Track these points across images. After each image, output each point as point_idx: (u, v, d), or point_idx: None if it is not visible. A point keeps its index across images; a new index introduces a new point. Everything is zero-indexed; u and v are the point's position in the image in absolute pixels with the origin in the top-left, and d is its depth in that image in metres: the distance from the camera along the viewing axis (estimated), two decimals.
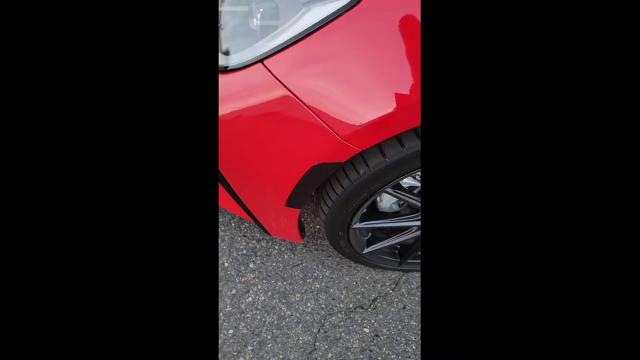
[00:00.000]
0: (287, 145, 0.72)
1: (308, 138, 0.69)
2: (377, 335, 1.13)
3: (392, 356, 1.11)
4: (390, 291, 1.19)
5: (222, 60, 0.69)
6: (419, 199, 0.91)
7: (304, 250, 1.23)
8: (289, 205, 0.85)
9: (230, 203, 0.97)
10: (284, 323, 1.12)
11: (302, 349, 1.09)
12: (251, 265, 1.19)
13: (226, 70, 0.68)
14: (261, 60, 0.65)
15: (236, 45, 0.69)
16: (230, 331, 1.10)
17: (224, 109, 0.70)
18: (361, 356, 1.09)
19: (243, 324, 1.11)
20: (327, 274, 1.20)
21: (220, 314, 1.11)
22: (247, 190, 0.88)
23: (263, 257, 1.20)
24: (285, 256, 1.21)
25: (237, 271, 1.17)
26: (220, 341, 1.08)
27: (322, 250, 1.23)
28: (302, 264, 1.21)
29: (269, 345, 1.09)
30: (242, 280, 1.17)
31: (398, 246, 1.14)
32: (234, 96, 0.69)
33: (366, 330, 1.13)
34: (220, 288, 1.15)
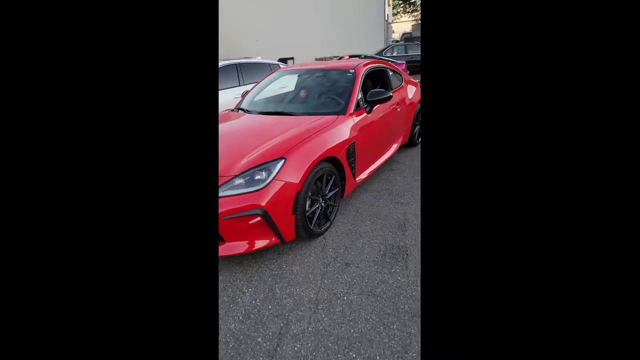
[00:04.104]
0: (290, 194, 1.89)
1: (291, 190, 1.85)
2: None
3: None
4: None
5: (253, 187, 1.80)
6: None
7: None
8: (292, 214, 1.91)
9: (266, 235, 1.86)
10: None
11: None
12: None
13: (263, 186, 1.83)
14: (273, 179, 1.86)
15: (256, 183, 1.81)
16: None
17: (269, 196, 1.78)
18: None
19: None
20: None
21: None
22: (278, 214, 1.87)
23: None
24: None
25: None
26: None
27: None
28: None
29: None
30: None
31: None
32: (270, 190, 1.83)
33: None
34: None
